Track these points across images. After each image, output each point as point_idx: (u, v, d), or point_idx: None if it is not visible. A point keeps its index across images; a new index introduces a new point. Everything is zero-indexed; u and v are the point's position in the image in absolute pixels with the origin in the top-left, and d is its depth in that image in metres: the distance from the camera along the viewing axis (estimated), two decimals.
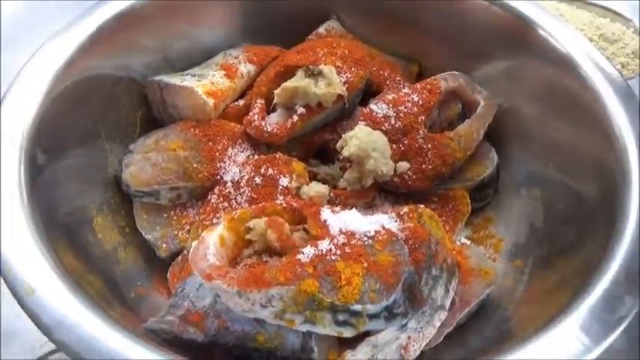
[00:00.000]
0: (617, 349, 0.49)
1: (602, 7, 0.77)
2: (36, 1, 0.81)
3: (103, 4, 0.57)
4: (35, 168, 0.46)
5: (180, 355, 0.37)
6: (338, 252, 0.41)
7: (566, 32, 0.58)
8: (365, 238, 0.43)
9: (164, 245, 0.52)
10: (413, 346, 0.42)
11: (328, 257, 0.40)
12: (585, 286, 0.38)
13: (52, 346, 0.46)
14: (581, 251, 0.44)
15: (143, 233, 0.53)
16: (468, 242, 0.57)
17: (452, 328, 0.45)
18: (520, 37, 0.60)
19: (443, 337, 0.44)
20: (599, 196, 0.46)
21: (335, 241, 0.42)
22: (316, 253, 0.41)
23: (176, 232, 0.53)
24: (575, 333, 0.36)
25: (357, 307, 0.39)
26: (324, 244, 0.41)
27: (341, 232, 0.43)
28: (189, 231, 0.53)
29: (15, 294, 0.36)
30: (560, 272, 0.45)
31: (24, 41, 0.54)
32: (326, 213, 0.44)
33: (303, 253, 0.41)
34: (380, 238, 0.43)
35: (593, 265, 0.39)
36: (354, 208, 0.46)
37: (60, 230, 0.46)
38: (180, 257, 0.52)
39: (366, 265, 0.40)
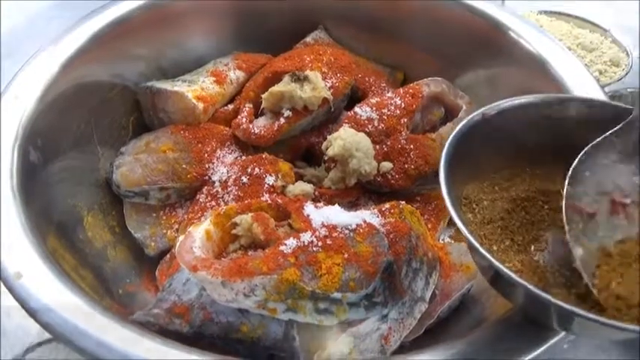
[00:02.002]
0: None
1: (580, 18, 0.80)
2: (36, 12, 0.83)
3: (98, 13, 0.60)
4: (30, 168, 0.48)
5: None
6: (319, 243, 0.42)
7: (543, 40, 0.60)
8: (346, 231, 0.44)
9: (152, 244, 0.53)
10: (393, 336, 0.43)
11: (310, 248, 0.42)
12: None
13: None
14: None
15: (132, 232, 0.54)
16: (452, 241, 0.58)
17: (433, 320, 0.46)
18: (499, 45, 0.62)
19: (424, 330, 0.45)
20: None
21: (317, 233, 0.43)
22: (298, 244, 0.42)
23: (165, 231, 0.54)
24: None
25: (337, 295, 0.40)
26: (306, 236, 0.42)
27: (323, 225, 0.44)
28: (177, 230, 0.54)
29: (3, 279, 0.37)
30: None
31: (23, 51, 0.56)
32: (309, 208, 0.46)
33: (285, 244, 0.42)
34: (361, 230, 0.44)
35: None
36: (336, 204, 0.48)
37: (53, 227, 0.48)
38: (168, 255, 0.53)
39: (346, 255, 0.42)
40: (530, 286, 0.34)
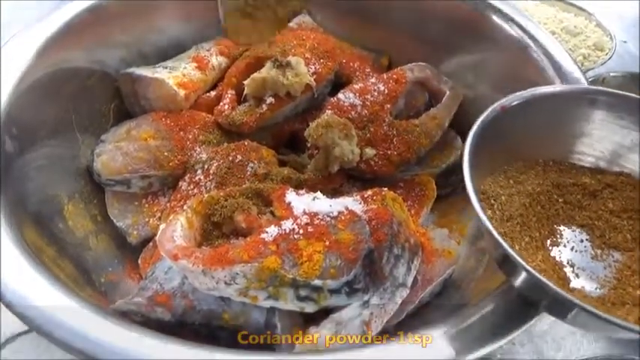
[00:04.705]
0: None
1: (566, 2, 0.80)
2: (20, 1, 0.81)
3: None
4: (6, 157, 0.47)
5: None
6: (301, 231, 0.42)
7: (526, 25, 0.60)
8: (328, 219, 0.44)
9: (135, 232, 0.53)
10: (375, 322, 0.43)
11: (291, 236, 0.42)
12: None
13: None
14: None
15: (114, 221, 0.54)
16: (435, 227, 0.58)
17: (414, 306, 0.46)
18: (483, 30, 0.62)
19: (405, 315, 0.46)
20: None
21: (298, 221, 0.43)
22: (279, 232, 0.42)
23: (147, 220, 0.54)
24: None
25: (318, 282, 0.40)
26: (288, 224, 0.43)
27: (305, 212, 0.44)
28: (160, 218, 0.53)
29: None
30: None
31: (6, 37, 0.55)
32: (291, 195, 0.46)
33: (267, 232, 0.42)
34: (343, 218, 0.44)
35: None
36: (319, 192, 0.48)
37: (31, 217, 0.47)
38: (151, 243, 0.53)
39: (327, 243, 0.42)
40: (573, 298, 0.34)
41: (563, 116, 0.46)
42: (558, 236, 0.43)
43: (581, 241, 0.43)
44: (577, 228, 0.43)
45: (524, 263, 0.35)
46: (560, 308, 0.37)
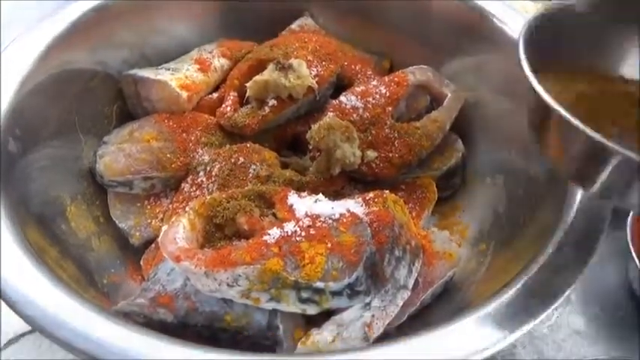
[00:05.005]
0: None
1: None
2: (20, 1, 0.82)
3: None
4: (9, 158, 0.47)
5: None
6: (303, 233, 0.42)
7: None
8: (330, 221, 0.44)
9: (137, 233, 0.53)
10: (376, 324, 0.43)
11: (293, 238, 0.42)
12: (534, 257, 0.40)
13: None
14: (533, 228, 0.47)
15: (117, 222, 0.54)
16: (436, 230, 0.59)
17: (415, 308, 0.46)
18: (484, 32, 0.62)
19: (407, 317, 0.46)
20: (551, 177, 0.49)
21: (300, 223, 0.43)
22: (282, 234, 0.42)
23: (149, 221, 0.54)
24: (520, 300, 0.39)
25: (320, 284, 0.40)
26: (290, 226, 0.43)
27: (307, 215, 0.44)
28: (162, 219, 0.54)
29: None
30: (515, 249, 0.47)
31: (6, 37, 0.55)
32: (293, 197, 0.46)
33: (269, 234, 0.42)
34: (344, 220, 0.44)
35: (543, 239, 0.41)
36: (320, 194, 0.48)
37: (33, 218, 0.47)
38: (153, 245, 0.53)
39: (329, 245, 0.42)
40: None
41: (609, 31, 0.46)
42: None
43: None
44: (621, 131, 0.42)
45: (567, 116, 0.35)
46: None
